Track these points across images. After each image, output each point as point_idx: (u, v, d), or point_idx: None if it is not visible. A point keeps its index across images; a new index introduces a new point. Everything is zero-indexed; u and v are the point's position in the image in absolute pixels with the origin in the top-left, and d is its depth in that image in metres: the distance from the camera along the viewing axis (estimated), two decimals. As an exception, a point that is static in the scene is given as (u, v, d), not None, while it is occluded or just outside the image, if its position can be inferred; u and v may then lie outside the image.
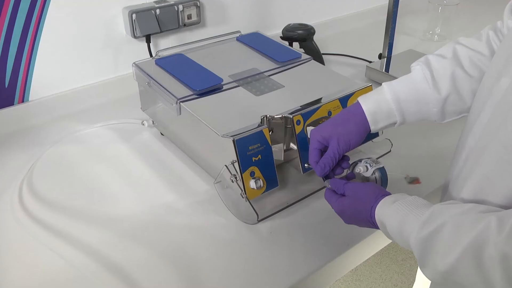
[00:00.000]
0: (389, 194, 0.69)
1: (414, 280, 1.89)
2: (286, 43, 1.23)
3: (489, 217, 0.52)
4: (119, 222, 0.86)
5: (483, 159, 0.62)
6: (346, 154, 0.80)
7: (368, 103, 0.78)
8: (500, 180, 0.59)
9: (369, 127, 0.78)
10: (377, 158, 0.84)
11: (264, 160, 0.84)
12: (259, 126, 0.84)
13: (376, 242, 0.87)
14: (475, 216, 0.54)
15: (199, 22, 1.32)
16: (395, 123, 0.79)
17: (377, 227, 0.68)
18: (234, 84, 0.99)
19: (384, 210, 0.66)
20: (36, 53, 1.13)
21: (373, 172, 0.80)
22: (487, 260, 0.50)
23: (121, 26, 1.23)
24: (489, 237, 0.50)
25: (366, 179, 0.81)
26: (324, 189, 0.91)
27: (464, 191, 0.65)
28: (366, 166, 0.80)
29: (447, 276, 0.54)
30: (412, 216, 0.60)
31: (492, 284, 0.50)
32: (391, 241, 0.83)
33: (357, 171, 0.81)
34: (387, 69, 1.33)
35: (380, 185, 0.80)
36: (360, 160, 0.82)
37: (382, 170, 0.80)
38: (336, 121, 0.79)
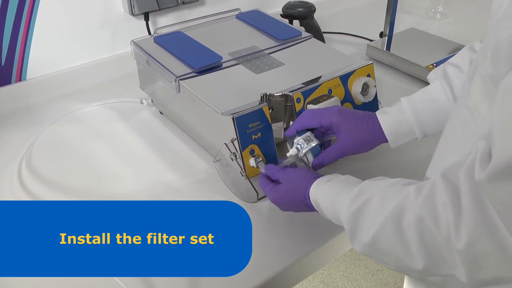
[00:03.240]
0: (322, 175, 0.70)
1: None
2: (286, 21, 1.21)
3: (409, 187, 0.56)
4: (118, 201, 0.86)
5: (447, 127, 0.64)
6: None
7: (387, 122, 0.78)
8: (457, 140, 0.60)
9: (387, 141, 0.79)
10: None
11: (264, 138, 0.83)
12: (259, 104, 0.83)
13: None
14: (399, 187, 0.58)
15: (198, 0, 1.30)
16: (416, 139, 0.79)
17: (313, 209, 0.70)
18: (234, 62, 0.98)
19: (317, 190, 0.68)
20: (33, 31, 1.12)
21: (305, 154, 0.79)
22: (405, 225, 0.53)
23: (119, 3, 1.21)
24: (408, 204, 0.54)
25: (301, 161, 0.80)
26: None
27: (430, 166, 0.68)
28: (297, 148, 0.79)
29: (373, 244, 0.57)
30: (343, 193, 0.63)
31: (409, 247, 0.53)
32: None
33: (290, 154, 0.80)
34: (388, 48, 1.31)
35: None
36: (294, 139, 0.81)
37: (314, 150, 0.79)
38: (353, 118, 0.78)
